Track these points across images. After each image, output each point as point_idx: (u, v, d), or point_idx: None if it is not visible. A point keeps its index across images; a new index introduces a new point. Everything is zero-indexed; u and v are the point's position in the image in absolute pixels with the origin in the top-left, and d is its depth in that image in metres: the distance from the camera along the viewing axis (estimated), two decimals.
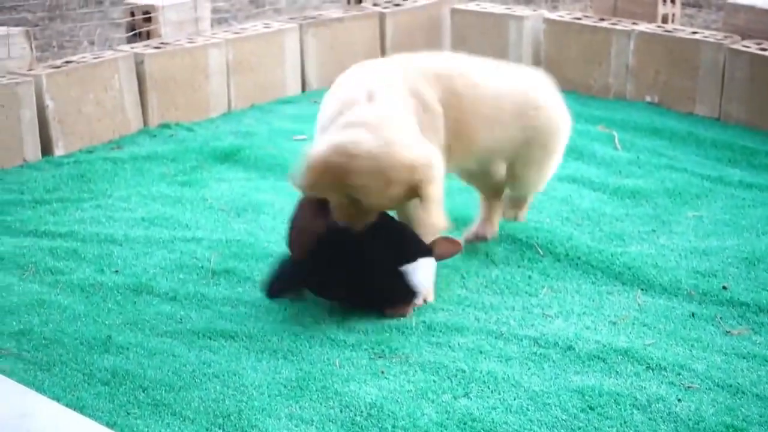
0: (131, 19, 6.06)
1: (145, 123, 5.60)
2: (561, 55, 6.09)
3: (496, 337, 3.63)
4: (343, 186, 3.54)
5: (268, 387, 3.34)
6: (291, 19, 6.29)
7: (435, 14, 6.61)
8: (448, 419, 3.18)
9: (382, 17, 6.41)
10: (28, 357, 3.53)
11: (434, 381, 3.38)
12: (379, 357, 3.52)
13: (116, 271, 4.12)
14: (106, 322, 3.75)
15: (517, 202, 4.34)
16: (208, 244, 4.33)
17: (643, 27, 5.90)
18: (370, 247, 3.69)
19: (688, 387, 3.34)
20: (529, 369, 3.44)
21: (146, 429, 3.15)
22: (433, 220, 3.62)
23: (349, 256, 3.69)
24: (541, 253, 4.22)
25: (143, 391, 3.34)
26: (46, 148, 5.23)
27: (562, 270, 4.09)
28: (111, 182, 4.98)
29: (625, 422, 3.17)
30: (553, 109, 4.12)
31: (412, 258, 3.72)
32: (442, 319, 3.74)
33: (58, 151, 5.26)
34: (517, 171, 4.13)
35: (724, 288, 3.92)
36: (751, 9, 5.87)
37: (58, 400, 3.18)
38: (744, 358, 3.50)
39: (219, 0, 7.47)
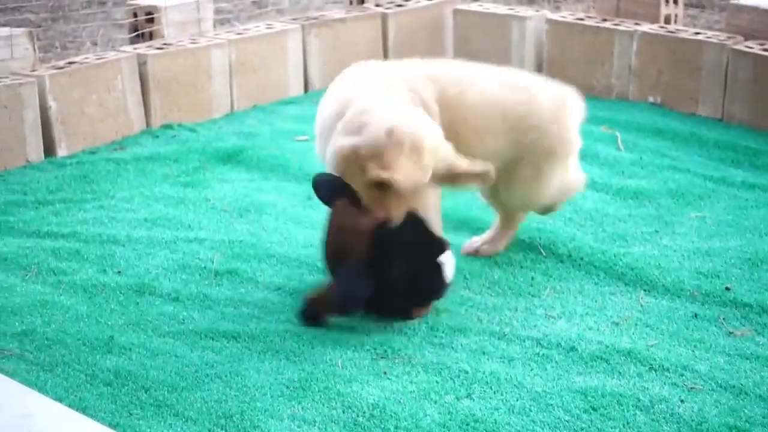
0: (134, 19, 6.07)
1: (148, 124, 5.60)
2: (563, 55, 6.09)
3: (498, 338, 3.63)
4: (377, 167, 3.53)
5: (270, 388, 3.34)
6: (293, 19, 6.29)
7: (437, 15, 6.61)
8: (450, 420, 3.18)
9: (384, 18, 6.41)
10: (30, 357, 3.54)
11: (437, 382, 3.38)
12: (382, 358, 3.52)
13: (119, 272, 4.12)
14: (109, 323, 3.75)
15: (506, 218, 4.21)
16: (210, 244, 4.33)
17: (646, 27, 5.89)
18: (411, 241, 3.64)
19: (691, 388, 3.34)
20: (531, 370, 3.44)
21: (149, 429, 3.15)
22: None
23: (396, 253, 3.64)
24: (544, 254, 4.22)
25: (146, 392, 3.34)
26: (49, 149, 5.24)
27: (564, 271, 4.09)
28: (114, 183, 4.98)
29: (627, 423, 3.17)
30: (550, 129, 3.97)
31: (444, 249, 3.70)
32: (444, 320, 3.74)
33: (61, 151, 5.27)
34: (502, 187, 4.00)
35: (727, 289, 3.92)
36: (754, 9, 5.86)
37: (60, 400, 3.18)
38: (747, 359, 3.50)
39: (222, 1, 7.47)
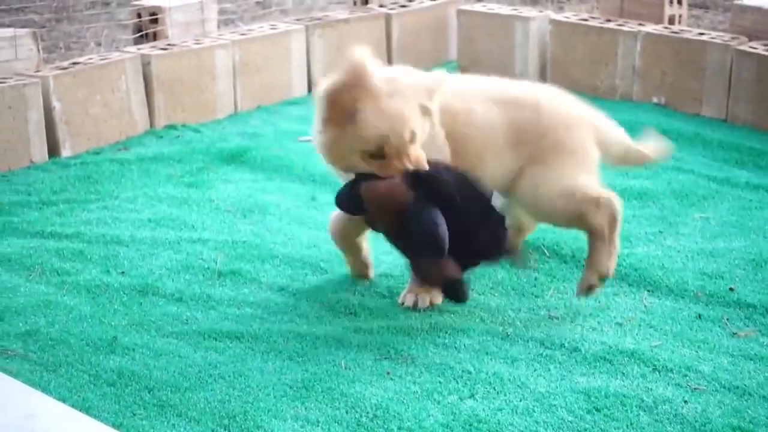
0: (138, 20, 6.07)
1: (152, 124, 5.61)
2: (567, 56, 6.09)
3: (502, 339, 3.63)
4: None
5: (273, 388, 3.34)
6: (297, 20, 6.30)
7: (441, 15, 6.61)
8: (453, 420, 3.17)
9: (388, 18, 6.41)
10: (34, 358, 3.54)
11: (440, 382, 3.38)
12: (385, 358, 3.52)
13: (122, 272, 4.12)
14: (112, 323, 3.76)
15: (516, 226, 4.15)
16: (214, 245, 4.33)
17: (650, 28, 5.89)
18: (448, 179, 3.56)
19: (695, 389, 3.34)
20: (535, 370, 3.44)
21: (152, 430, 3.15)
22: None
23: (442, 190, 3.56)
24: (547, 254, 4.22)
25: (149, 392, 3.34)
26: (53, 149, 5.24)
27: (568, 271, 4.08)
28: (117, 183, 4.98)
29: (631, 424, 3.16)
30: (556, 129, 3.84)
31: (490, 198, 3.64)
32: (447, 320, 3.74)
33: (65, 152, 5.27)
34: (515, 188, 3.86)
35: (731, 289, 3.91)
36: (758, 10, 5.86)
37: (64, 400, 3.18)
38: (751, 359, 3.50)
39: (226, 1, 7.48)
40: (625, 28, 5.92)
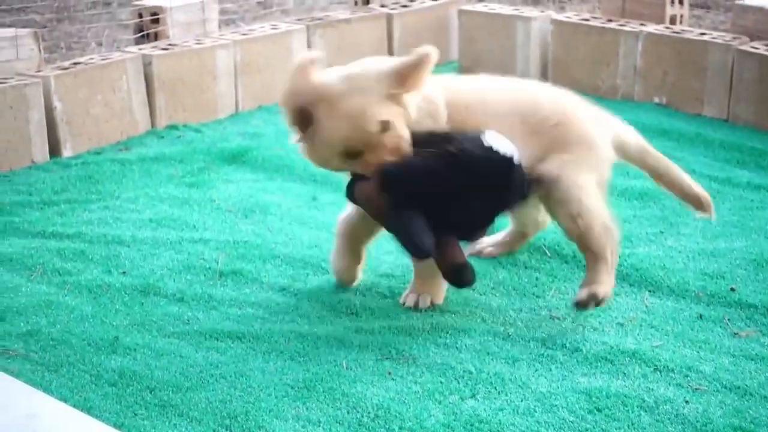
0: (139, 20, 6.07)
1: (153, 124, 5.61)
2: (569, 56, 6.09)
3: (503, 339, 3.63)
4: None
5: (275, 388, 3.34)
6: (298, 20, 6.30)
7: (443, 15, 6.61)
8: (455, 420, 3.17)
9: (389, 18, 6.41)
10: (35, 358, 3.54)
11: (441, 382, 3.38)
12: (386, 358, 3.52)
13: (124, 272, 4.12)
14: (114, 323, 3.76)
15: (521, 228, 4.18)
16: (215, 245, 4.33)
17: (651, 28, 5.89)
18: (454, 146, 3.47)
19: (696, 389, 3.34)
20: (536, 370, 3.44)
21: (153, 430, 3.15)
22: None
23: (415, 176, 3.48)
24: (549, 254, 4.22)
25: (150, 392, 3.34)
26: (54, 150, 5.24)
27: (569, 271, 4.08)
28: (119, 183, 4.98)
29: (632, 424, 3.16)
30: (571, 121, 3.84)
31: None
32: (449, 320, 3.74)
33: (66, 152, 5.27)
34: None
35: (732, 290, 3.91)
36: (759, 10, 5.86)
37: (65, 400, 3.18)
38: (752, 360, 3.50)
39: (227, 1, 7.48)
40: (626, 28, 5.92)
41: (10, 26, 6.39)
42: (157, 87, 5.57)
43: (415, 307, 3.82)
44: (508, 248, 4.19)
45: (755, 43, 5.58)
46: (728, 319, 3.75)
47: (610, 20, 6.09)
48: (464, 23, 6.42)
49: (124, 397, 3.32)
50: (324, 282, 4.01)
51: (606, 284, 3.71)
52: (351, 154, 3.48)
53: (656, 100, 5.83)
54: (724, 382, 3.36)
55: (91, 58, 5.50)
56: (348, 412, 3.23)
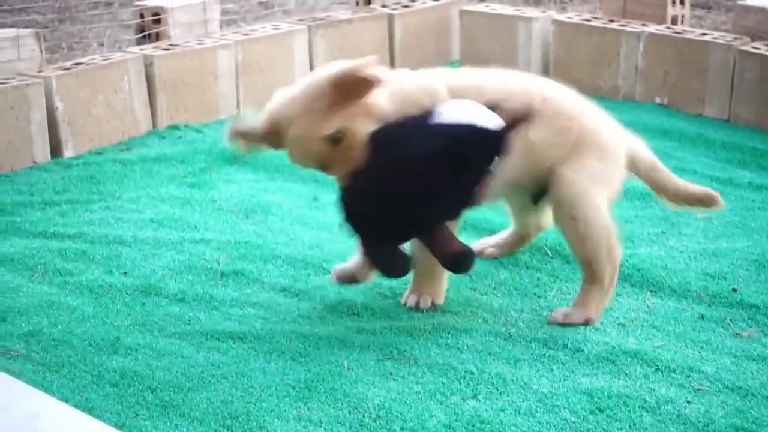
0: (140, 20, 6.07)
1: (154, 124, 5.61)
2: (570, 56, 6.08)
3: (504, 339, 3.63)
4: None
5: (276, 388, 3.34)
6: (300, 20, 6.30)
7: (444, 15, 6.61)
8: (456, 421, 3.17)
9: (390, 18, 6.41)
10: (37, 358, 3.54)
11: (443, 383, 3.38)
12: (388, 358, 3.52)
13: (125, 273, 4.12)
14: (115, 324, 3.76)
15: (523, 231, 4.17)
16: (216, 245, 4.33)
17: (653, 28, 5.89)
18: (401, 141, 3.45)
19: (698, 389, 3.34)
20: (537, 371, 3.44)
21: (155, 430, 3.15)
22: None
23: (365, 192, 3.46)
24: (550, 254, 4.22)
25: (152, 393, 3.34)
26: (56, 150, 5.24)
27: (571, 272, 4.08)
28: (120, 184, 4.98)
29: (634, 424, 3.16)
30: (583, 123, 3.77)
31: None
32: (450, 320, 3.74)
33: (68, 152, 5.27)
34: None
35: (734, 290, 3.91)
36: (761, 10, 5.85)
37: (66, 401, 3.18)
38: (754, 360, 3.49)
39: (228, 2, 7.48)
40: (627, 29, 5.92)
41: (11, 26, 6.39)
42: (159, 87, 5.57)
43: (416, 308, 3.81)
44: (509, 249, 4.19)
45: (756, 44, 5.58)
46: (730, 320, 3.74)
47: (611, 20, 6.08)
48: (465, 23, 6.42)
49: (125, 397, 3.32)
50: (325, 282, 4.01)
51: (590, 310, 3.69)
52: (323, 168, 3.56)
53: (657, 100, 5.83)
54: (726, 383, 3.36)
55: (93, 59, 5.50)
56: (349, 413, 3.23)
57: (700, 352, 3.54)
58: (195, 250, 4.30)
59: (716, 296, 3.89)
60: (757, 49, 5.50)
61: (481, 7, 6.48)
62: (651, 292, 3.95)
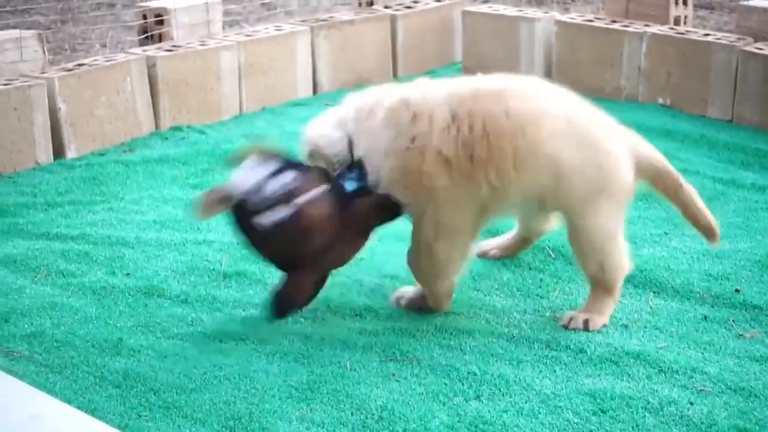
0: (143, 21, 6.08)
1: (157, 126, 5.61)
2: (573, 57, 6.08)
3: (507, 340, 3.62)
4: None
5: (279, 389, 3.34)
6: (302, 21, 6.30)
7: (446, 16, 6.61)
8: (459, 422, 3.17)
9: (393, 19, 6.41)
10: (39, 359, 3.54)
11: (445, 384, 3.37)
12: (390, 360, 3.52)
13: (128, 274, 4.13)
14: (118, 325, 3.76)
15: (526, 234, 4.15)
16: (219, 246, 4.33)
17: (656, 29, 5.88)
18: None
19: (701, 390, 3.33)
20: (540, 372, 3.43)
21: (157, 431, 3.15)
22: None
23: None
24: (553, 255, 4.21)
25: (154, 394, 3.34)
26: (59, 151, 5.25)
27: (573, 273, 4.08)
28: (123, 185, 4.98)
29: (637, 425, 3.16)
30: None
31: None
32: (453, 321, 3.74)
33: (70, 153, 5.28)
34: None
35: (737, 291, 3.91)
36: (764, 11, 5.85)
37: (69, 402, 3.18)
38: (757, 361, 3.49)
39: (231, 3, 7.48)
40: (630, 29, 5.91)
41: (14, 28, 6.39)
42: (161, 88, 5.57)
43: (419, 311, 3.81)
44: (511, 251, 4.19)
45: (759, 44, 5.58)
46: (733, 321, 3.74)
47: (614, 21, 6.08)
48: (468, 24, 6.42)
49: (128, 398, 3.32)
50: (327, 283, 4.01)
51: (605, 316, 3.70)
52: None
53: (660, 101, 5.83)
54: (729, 384, 3.36)
55: (95, 60, 5.50)
56: (352, 414, 3.23)
57: (703, 353, 3.54)
58: (198, 251, 4.30)
59: (719, 297, 3.88)
60: (761, 49, 5.50)
61: (483, 8, 6.48)
62: (654, 293, 3.95)
